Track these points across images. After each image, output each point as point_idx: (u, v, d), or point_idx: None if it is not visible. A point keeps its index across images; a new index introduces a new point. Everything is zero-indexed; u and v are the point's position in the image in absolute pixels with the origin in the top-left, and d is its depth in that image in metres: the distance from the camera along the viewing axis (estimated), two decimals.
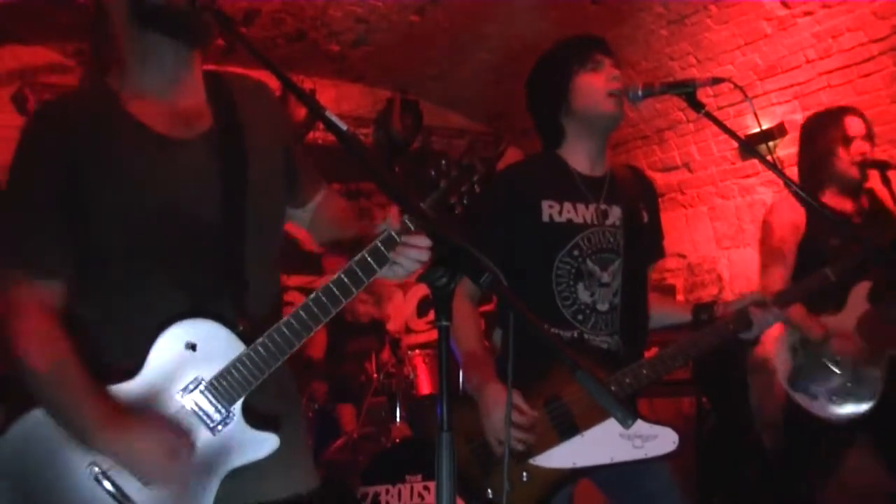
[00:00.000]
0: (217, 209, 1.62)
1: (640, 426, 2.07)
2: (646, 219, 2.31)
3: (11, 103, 5.25)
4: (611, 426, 2.04)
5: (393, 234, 1.55)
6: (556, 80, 2.21)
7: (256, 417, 1.62)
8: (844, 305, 2.89)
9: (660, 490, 2.14)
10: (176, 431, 1.53)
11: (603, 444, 2.05)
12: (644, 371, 2.07)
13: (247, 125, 1.69)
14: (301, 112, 5.80)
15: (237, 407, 1.58)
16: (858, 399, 2.82)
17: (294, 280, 6.12)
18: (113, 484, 1.50)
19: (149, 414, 1.53)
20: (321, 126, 5.15)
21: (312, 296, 1.57)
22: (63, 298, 1.55)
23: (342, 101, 6.42)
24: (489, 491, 2.02)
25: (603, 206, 2.24)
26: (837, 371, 2.82)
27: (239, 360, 1.58)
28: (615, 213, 2.25)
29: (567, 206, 2.20)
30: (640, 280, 2.31)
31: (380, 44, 5.68)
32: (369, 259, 1.55)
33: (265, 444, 1.61)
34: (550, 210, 2.19)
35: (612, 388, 2.04)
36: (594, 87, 2.17)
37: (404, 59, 5.92)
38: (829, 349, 2.82)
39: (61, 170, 1.53)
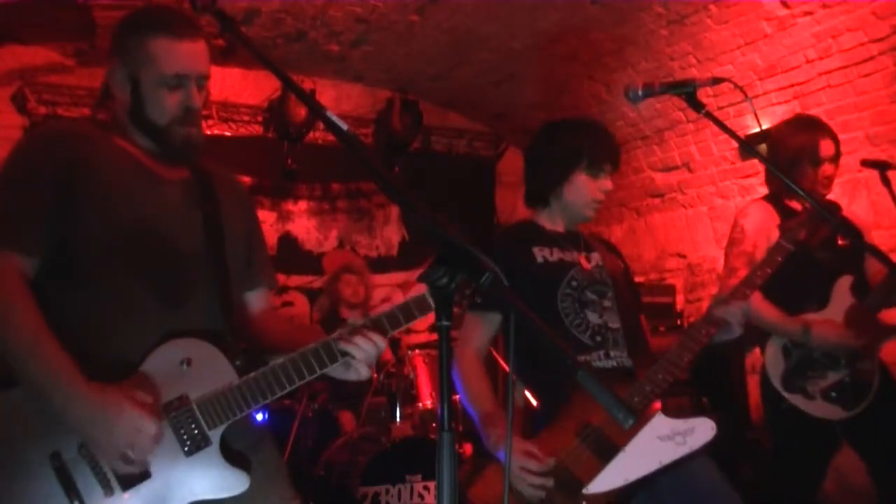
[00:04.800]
0: (199, 240, 1.74)
1: (676, 424, 2.12)
2: (622, 267, 2.51)
3: (11, 103, 5.25)
4: (648, 433, 2.09)
5: (427, 298, 1.66)
6: (559, 167, 2.37)
7: (231, 453, 1.62)
8: (829, 301, 2.87)
9: (710, 487, 2.15)
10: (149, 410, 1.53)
11: (647, 452, 2.09)
12: (659, 375, 2.13)
13: (219, 188, 1.84)
14: (301, 112, 5.80)
15: (216, 434, 1.59)
16: (856, 395, 2.79)
17: (294, 280, 6.11)
18: (70, 480, 1.49)
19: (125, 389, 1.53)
20: (321, 126, 5.17)
21: (312, 347, 1.63)
22: (32, 275, 1.60)
23: (342, 101, 6.42)
24: None
25: (584, 253, 2.42)
26: (832, 367, 2.80)
27: (229, 388, 1.60)
28: (596, 257, 2.43)
29: (555, 250, 2.37)
30: (635, 314, 2.46)
31: (380, 44, 5.68)
32: (415, 306, 1.68)
33: (235, 482, 1.60)
34: (542, 253, 2.34)
35: (636, 399, 2.09)
36: (585, 191, 2.37)
37: (404, 59, 5.92)
38: (811, 340, 2.78)
39: (54, 173, 1.62)
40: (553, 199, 2.41)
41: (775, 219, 2.94)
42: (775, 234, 2.90)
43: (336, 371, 1.66)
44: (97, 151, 1.69)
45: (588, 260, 2.40)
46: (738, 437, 4.42)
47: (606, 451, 2.08)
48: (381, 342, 1.64)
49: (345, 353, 1.63)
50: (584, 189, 2.35)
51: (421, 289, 1.66)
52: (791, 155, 2.93)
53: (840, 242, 2.94)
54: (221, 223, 1.79)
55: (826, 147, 2.95)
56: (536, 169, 2.45)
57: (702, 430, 2.11)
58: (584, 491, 2.05)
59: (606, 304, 2.33)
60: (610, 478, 2.07)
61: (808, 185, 2.88)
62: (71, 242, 1.61)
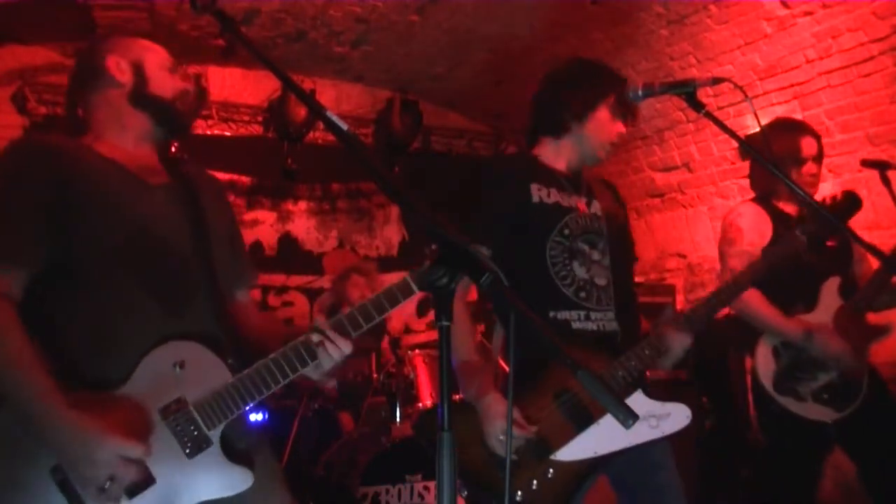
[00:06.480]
0: (189, 243, 1.75)
1: (653, 406, 2.08)
2: (621, 219, 2.42)
3: (11, 103, 5.25)
4: None
5: (411, 283, 1.70)
6: (589, 93, 2.29)
7: (233, 451, 1.63)
8: (817, 303, 2.87)
9: (669, 483, 2.15)
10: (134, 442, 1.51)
11: (620, 428, 2.04)
12: (646, 351, 2.10)
13: (199, 189, 1.87)
14: (301, 112, 5.80)
15: (216, 435, 1.59)
16: (846, 396, 2.79)
17: (294, 280, 6.12)
18: (74, 492, 1.47)
19: (110, 417, 1.51)
20: (321, 126, 5.17)
21: (301, 339, 1.65)
22: (21, 288, 1.59)
23: (342, 101, 6.42)
24: (518, 493, 2.00)
25: (584, 198, 2.33)
26: (823, 369, 2.79)
27: (224, 387, 1.61)
28: (596, 206, 2.34)
29: (553, 191, 2.27)
30: (627, 268, 2.39)
31: (380, 44, 5.68)
32: (388, 296, 1.70)
33: (239, 479, 1.61)
34: (539, 192, 2.24)
35: (620, 372, 2.06)
36: (605, 129, 2.28)
37: (404, 59, 5.92)
38: (812, 347, 2.76)
39: (44, 185, 1.62)
40: (573, 127, 2.29)
41: (767, 219, 2.95)
42: (769, 234, 2.90)
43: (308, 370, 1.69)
44: (84, 158, 1.70)
45: (588, 206, 2.31)
46: (738, 437, 4.42)
47: (581, 419, 2.05)
48: (347, 347, 1.66)
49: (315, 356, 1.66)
50: (605, 125, 2.27)
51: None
52: (778, 156, 2.93)
53: (828, 244, 2.93)
54: (207, 225, 1.81)
55: (808, 146, 2.96)
56: (563, 92, 2.31)
57: (677, 417, 2.08)
58: (552, 457, 2.03)
59: (596, 256, 2.24)
60: (580, 448, 2.04)
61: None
62: (71, 245, 1.61)
